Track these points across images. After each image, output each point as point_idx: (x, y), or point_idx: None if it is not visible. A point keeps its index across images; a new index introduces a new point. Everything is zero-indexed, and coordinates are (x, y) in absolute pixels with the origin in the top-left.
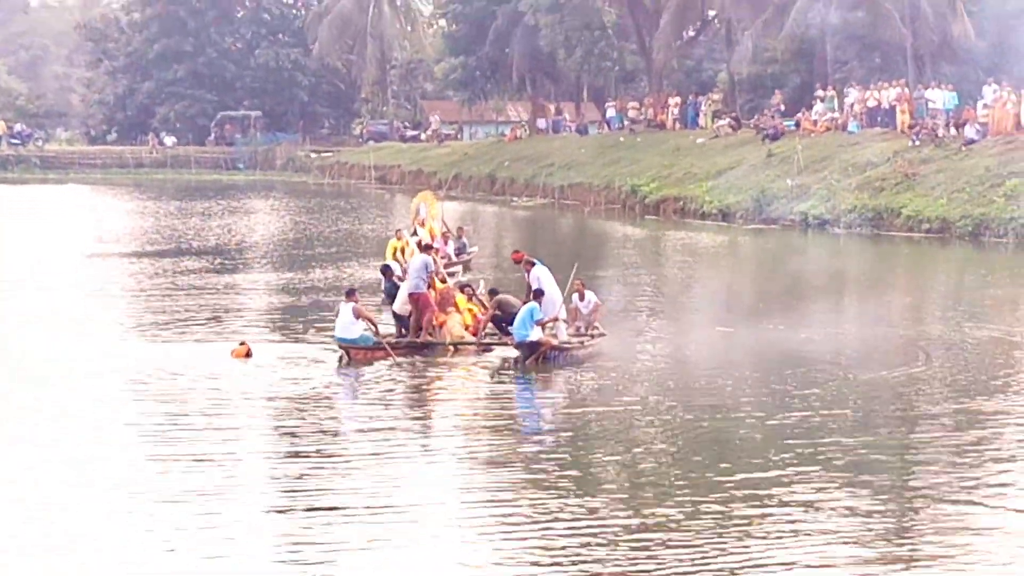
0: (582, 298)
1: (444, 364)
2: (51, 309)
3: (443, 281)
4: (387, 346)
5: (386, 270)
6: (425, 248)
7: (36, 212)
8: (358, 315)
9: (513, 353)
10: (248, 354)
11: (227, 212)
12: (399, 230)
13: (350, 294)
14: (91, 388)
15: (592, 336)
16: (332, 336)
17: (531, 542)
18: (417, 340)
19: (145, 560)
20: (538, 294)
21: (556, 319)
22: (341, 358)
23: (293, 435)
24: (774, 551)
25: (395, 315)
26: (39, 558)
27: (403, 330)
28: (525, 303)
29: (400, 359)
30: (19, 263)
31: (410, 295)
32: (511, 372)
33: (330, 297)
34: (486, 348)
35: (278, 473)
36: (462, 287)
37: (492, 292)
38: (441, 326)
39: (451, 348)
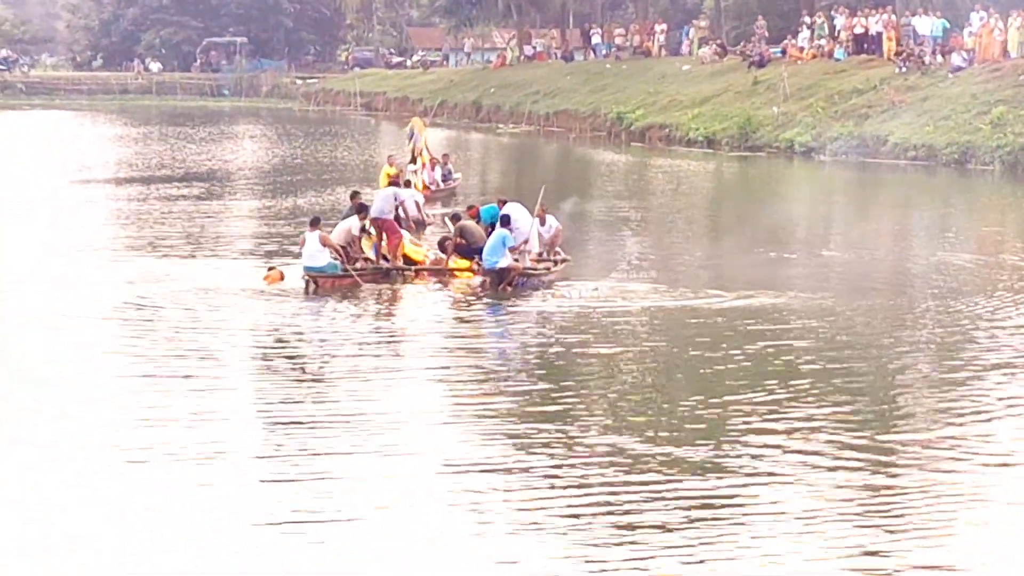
0: (543, 223)
1: (410, 290)
2: (36, 239)
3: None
4: (354, 273)
5: (354, 196)
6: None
7: (20, 138)
8: (324, 243)
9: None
10: (282, 277)
11: (213, 139)
12: (391, 156)
13: (315, 223)
14: (72, 317)
15: (556, 262)
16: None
17: (507, 451)
18: (383, 266)
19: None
20: (506, 220)
21: (526, 242)
22: (308, 286)
23: (267, 365)
24: (762, 488)
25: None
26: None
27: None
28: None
29: (363, 284)
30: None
31: (373, 220)
32: (480, 297)
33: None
34: (450, 273)
35: (259, 412)
36: (453, 217)
37: (455, 217)
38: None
39: (416, 274)
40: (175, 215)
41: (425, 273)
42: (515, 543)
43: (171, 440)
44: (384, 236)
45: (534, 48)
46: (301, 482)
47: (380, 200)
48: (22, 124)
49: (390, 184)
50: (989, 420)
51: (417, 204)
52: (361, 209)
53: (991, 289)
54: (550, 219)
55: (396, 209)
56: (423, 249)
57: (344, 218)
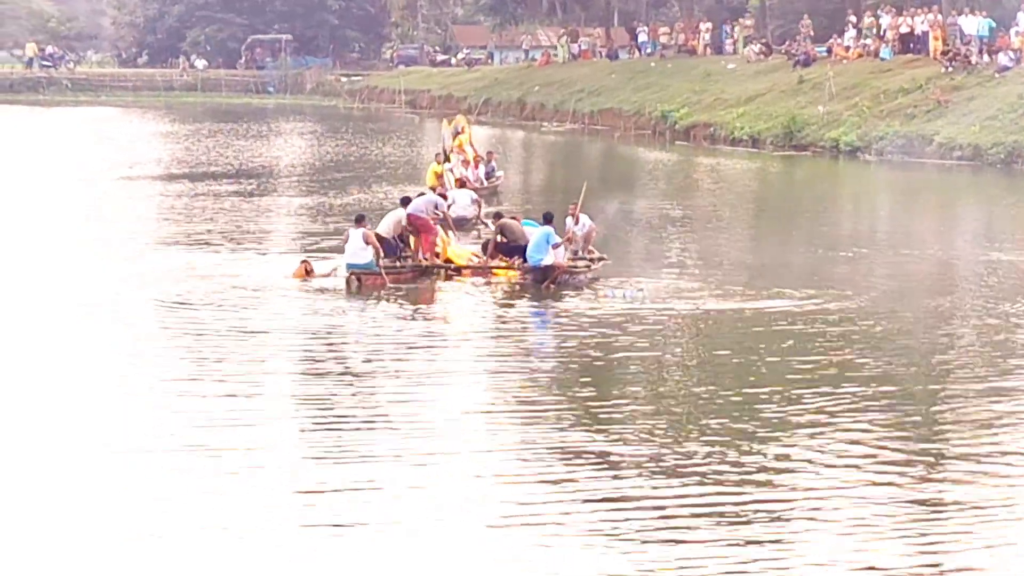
0: (576, 221)
1: (451, 289)
2: (85, 234)
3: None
4: (382, 272)
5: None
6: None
7: (68, 134)
8: (367, 241)
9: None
10: (308, 271)
11: (258, 136)
12: (438, 154)
13: (360, 220)
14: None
15: (591, 260)
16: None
17: (544, 461)
18: (423, 263)
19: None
20: (549, 218)
21: (570, 239)
22: (350, 283)
23: (310, 362)
24: (805, 498)
25: (377, 237)
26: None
27: (386, 254)
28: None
29: (401, 284)
30: (50, 186)
31: (409, 216)
32: (522, 296)
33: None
34: (490, 272)
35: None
36: (495, 215)
37: (496, 216)
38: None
39: (455, 272)
40: (222, 211)
41: (465, 271)
42: (554, 554)
43: (210, 441)
44: (419, 234)
45: (579, 46)
46: (340, 490)
47: (422, 200)
48: (69, 120)
49: (438, 179)
50: None
51: (475, 201)
52: (406, 202)
53: None
54: (584, 218)
55: (435, 210)
56: (467, 251)
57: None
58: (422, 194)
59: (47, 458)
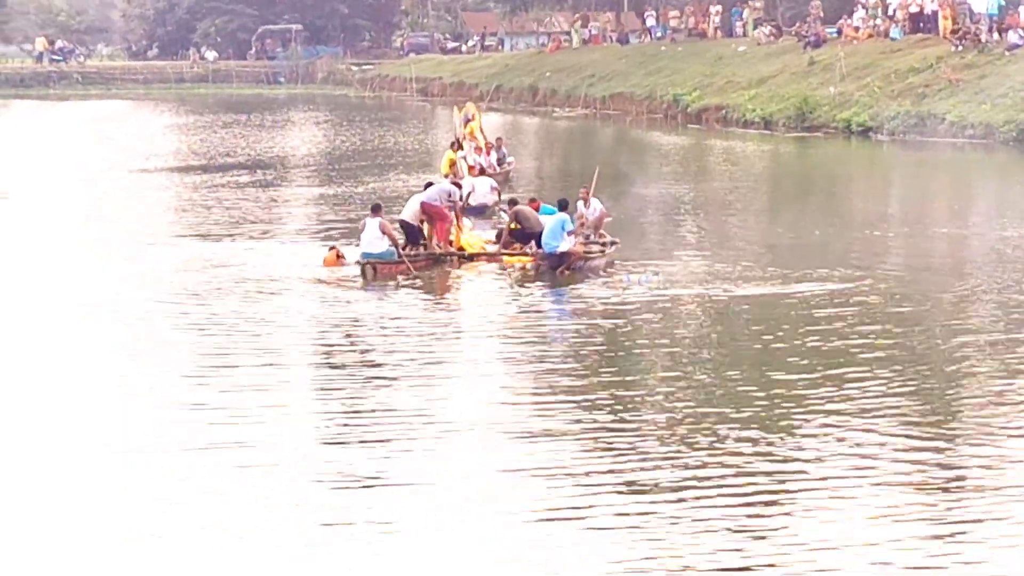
0: (587, 205)
1: (466, 276)
2: (99, 226)
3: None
4: (405, 260)
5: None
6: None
7: (80, 127)
8: (383, 231)
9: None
10: (340, 256)
11: (271, 126)
12: (454, 142)
13: (376, 209)
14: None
15: (603, 245)
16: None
17: (567, 451)
18: (436, 251)
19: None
20: (564, 204)
21: (582, 223)
22: (365, 272)
23: (327, 355)
24: (812, 466)
25: (402, 224)
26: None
27: (409, 241)
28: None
29: (417, 272)
30: (69, 180)
31: (423, 204)
32: (538, 282)
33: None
34: (505, 258)
35: (318, 398)
36: (510, 201)
37: (512, 202)
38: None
39: (469, 259)
40: (236, 201)
41: (479, 259)
42: (571, 545)
43: (221, 437)
44: (434, 222)
45: (589, 31)
46: (354, 488)
47: (435, 189)
48: (80, 114)
49: (452, 167)
50: None
51: (494, 189)
52: (429, 187)
53: None
54: (594, 202)
55: (448, 198)
56: (480, 239)
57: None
58: (430, 184)
59: (46, 457)
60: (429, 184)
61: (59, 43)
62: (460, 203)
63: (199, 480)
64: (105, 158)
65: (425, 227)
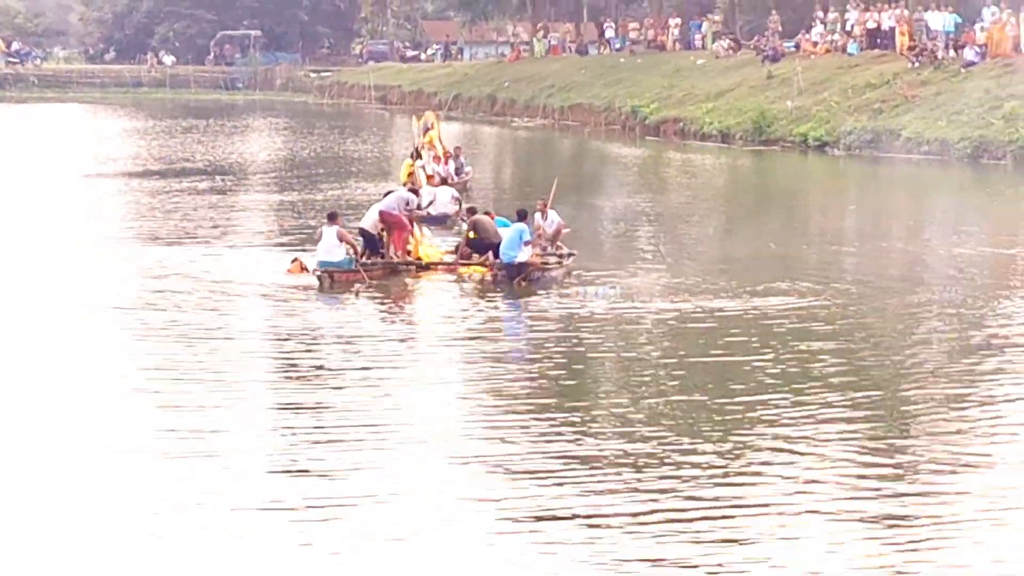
0: (544, 217)
1: (423, 286)
2: (52, 232)
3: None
4: (361, 269)
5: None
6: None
7: (35, 131)
8: (341, 239)
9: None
10: (303, 268)
11: (228, 132)
12: (413, 151)
13: (332, 217)
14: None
15: (560, 256)
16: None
17: (519, 465)
18: (393, 260)
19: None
20: (523, 215)
21: (540, 235)
22: (322, 281)
23: (282, 364)
24: (775, 480)
25: (361, 232)
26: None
27: (368, 250)
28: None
29: (374, 281)
30: (16, 184)
31: (381, 213)
32: (495, 292)
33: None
34: (461, 268)
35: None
36: (468, 210)
37: (470, 211)
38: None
39: (425, 268)
40: (192, 208)
41: (435, 268)
42: (527, 551)
43: (174, 444)
44: (392, 231)
45: (549, 42)
46: (311, 506)
47: (393, 197)
48: (36, 117)
49: (410, 176)
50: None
51: (455, 199)
52: (334, 216)
53: (1009, 284)
54: (552, 213)
55: (407, 207)
56: (439, 250)
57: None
58: (388, 193)
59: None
60: (389, 193)
61: (15, 45)
62: (418, 211)
63: (146, 491)
64: (60, 163)
65: (384, 236)
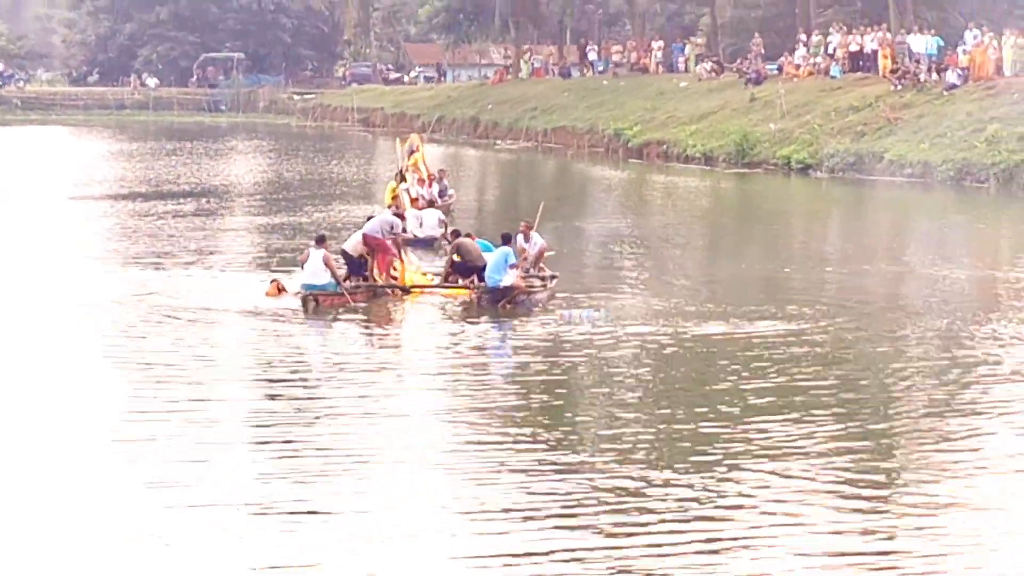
0: (527, 239)
1: (406, 309)
2: (35, 254)
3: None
4: (345, 292)
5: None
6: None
7: (17, 154)
8: (327, 263)
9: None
10: (281, 290)
11: (211, 155)
12: (398, 173)
13: (320, 241)
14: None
15: (543, 279)
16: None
17: (502, 489)
18: (377, 283)
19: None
20: (508, 238)
21: (525, 259)
22: (307, 304)
23: (266, 388)
24: (758, 512)
25: (344, 255)
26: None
27: (350, 274)
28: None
29: (358, 304)
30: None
31: (365, 236)
32: (479, 316)
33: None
34: (444, 291)
35: (256, 431)
36: (454, 234)
37: (454, 234)
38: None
39: (409, 292)
40: (175, 231)
41: (419, 291)
42: None
43: (158, 473)
44: (376, 255)
45: (532, 64)
46: (292, 531)
47: (377, 221)
48: (19, 140)
49: (395, 199)
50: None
51: (442, 221)
52: (321, 240)
53: (995, 308)
54: (535, 236)
55: (391, 231)
56: (427, 278)
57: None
58: (371, 217)
59: None
60: (371, 217)
61: None
62: (403, 235)
63: (121, 525)
64: (44, 185)
65: (368, 259)
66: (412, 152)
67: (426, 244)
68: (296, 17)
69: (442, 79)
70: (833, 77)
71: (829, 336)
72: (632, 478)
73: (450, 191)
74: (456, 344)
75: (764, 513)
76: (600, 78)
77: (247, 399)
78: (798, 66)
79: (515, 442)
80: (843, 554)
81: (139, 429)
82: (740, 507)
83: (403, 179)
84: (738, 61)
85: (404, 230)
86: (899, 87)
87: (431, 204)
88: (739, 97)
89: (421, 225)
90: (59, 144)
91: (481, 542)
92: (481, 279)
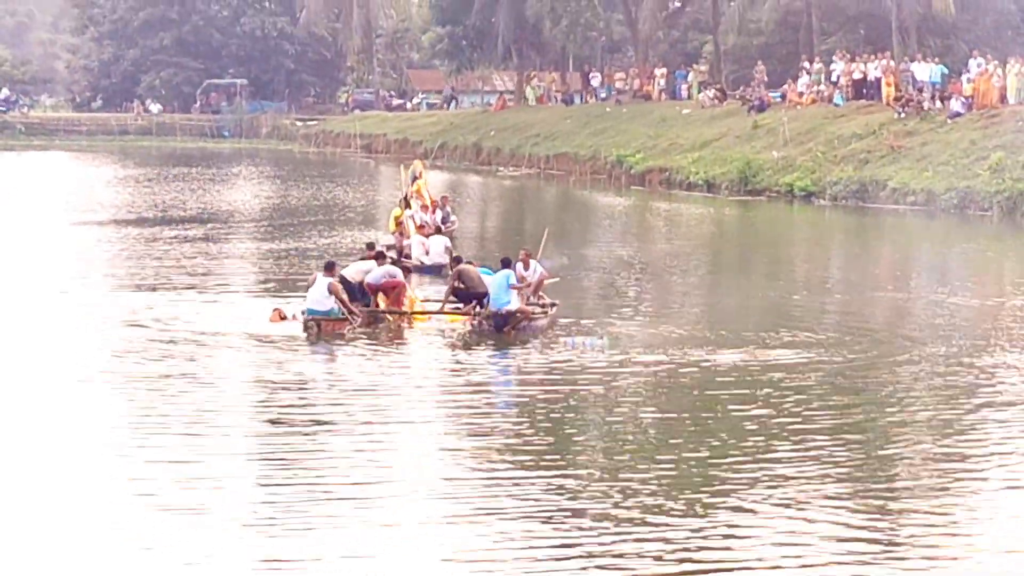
0: (527, 267)
1: (407, 335)
2: (38, 280)
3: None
4: (349, 315)
5: (370, 247)
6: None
7: (21, 179)
8: (332, 291)
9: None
10: (283, 317)
11: (215, 180)
12: (402, 200)
13: (330, 268)
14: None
15: (544, 307)
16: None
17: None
18: (378, 308)
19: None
20: (507, 262)
21: (527, 286)
22: (309, 329)
23: (269, 414)
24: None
25: (342, 280)
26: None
27: (351, 299)
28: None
29: (361, 329)
30: (4, 232)
31: (370, 286)
32: (481, 342)
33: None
34: (446, 317)
35: (257, 458)
36: (456, 260)
37: (456, 260)
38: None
39: (411, 317)
40: (179, 257)
41: (420, 317)
42: None
43: (157, 502)
44: (388, 295)
45: (537, 91)
46: (296, 559)
47: (378, 273)
48: (22, 165)
49: (398, 225)
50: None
51: (448, 248)
52: (378, 257)
53: (1001, 336)
54: (534, 264)
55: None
56: (433, 307)
57: (362, 259)
58: (370, 244)
59: None
60: (370, 244)
61: (2, 93)
62: (407, 260)
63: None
64: (48, 210)
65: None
66: (416, 178)
67: (435, 271)
68: (299, 43)
69: (453, 104)
70: (836, 105)
71: (835, 364)
72: (636, 508)
73: (452, 218)
74: (457, 370)
75: (772, 544)
76: (603, 105)
77: (246, 424)
78: (801, 93)
79: (519, 468)
80: None
81: (139, 450)
82: (747, 537)
83: (408, 205)
84: (741, 88)
85: (406, 268)
86: (903, 115)
87: (438, 231)
88: (742, 124)
89: (428, 253)
90: (63, 170)
91: (480, 569)
92: (482, 305)
